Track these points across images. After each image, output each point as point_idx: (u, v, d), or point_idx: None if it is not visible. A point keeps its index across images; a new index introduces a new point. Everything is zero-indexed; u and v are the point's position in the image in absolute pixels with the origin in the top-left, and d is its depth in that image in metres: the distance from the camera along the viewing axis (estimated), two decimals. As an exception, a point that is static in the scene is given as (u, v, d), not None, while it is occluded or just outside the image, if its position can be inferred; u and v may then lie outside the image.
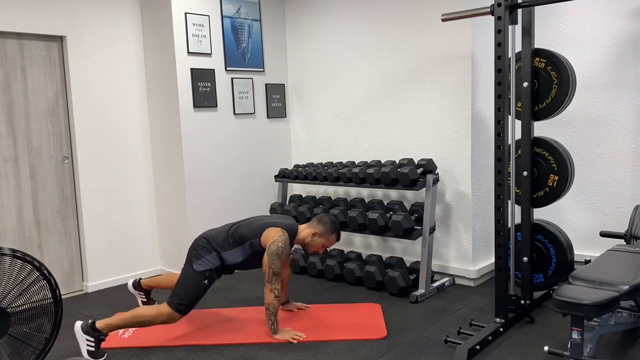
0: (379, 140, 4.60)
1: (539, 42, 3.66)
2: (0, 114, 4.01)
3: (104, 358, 3.10)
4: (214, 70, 4.60)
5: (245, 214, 4.68)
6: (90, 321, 3.10)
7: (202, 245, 3.34)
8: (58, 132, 4.30)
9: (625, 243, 3.30)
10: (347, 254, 4.53)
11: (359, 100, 4.70)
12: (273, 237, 3.24)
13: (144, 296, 3.75)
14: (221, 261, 3.33)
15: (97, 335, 3.08)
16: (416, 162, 4.07)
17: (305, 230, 3.47)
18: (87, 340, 3.06)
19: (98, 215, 4.45)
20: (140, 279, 3.79)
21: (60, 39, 4.27)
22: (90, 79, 4.37)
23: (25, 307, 2.64)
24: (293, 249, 3.72)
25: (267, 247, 3.23)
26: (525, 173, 3.50)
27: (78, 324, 3.10)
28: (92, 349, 3.07)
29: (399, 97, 4.41)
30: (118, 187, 4.56)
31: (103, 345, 3.18)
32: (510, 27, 3.22)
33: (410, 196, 4.41)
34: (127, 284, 3.84)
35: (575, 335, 2.49)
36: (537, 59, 3.43)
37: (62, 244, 4.35)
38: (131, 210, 4.66)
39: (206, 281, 3.28)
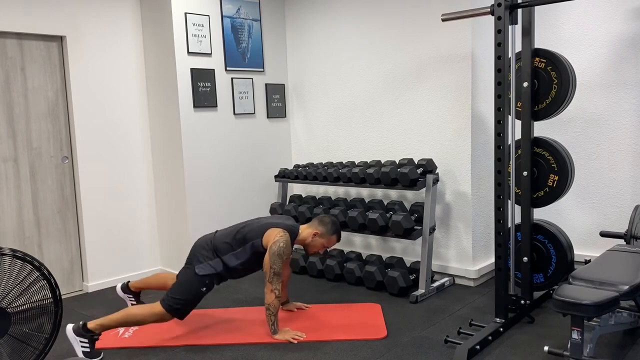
0: (379, 140, 4.60)
1: (539, 42, 3.66)
2: (0, 114, 4.01)
3: (100, 357, 3.10)
4: (214, 70, 4.60)
5: (245, 213, 4.68)
6: (81, 323, 3.09)
7: (205, 250, 3.34)
8: (58, 132, 4.30)
9: (625, 243, 3.30)
10: (347, 254, 4.53)
11: (359, 100, 4.70)
12: (275, 238, 3.24)
13: (133, 299, 3.71)
14: (224, 266, 3.32)
15: (89, 335, 3.08)
16: (416, 162, 4.07)
17: (306, 231, 3.48)
18: (80, 341, 3.07)
19: (98, 215, 4.45)
20: (129, 281, 3.76)
21: (60, 39, 4.27)
22: (90, 79, 4.37)
23: (25, 307, 2.64)
24: (293, 248, 3.73)
25: (268, 248, 3.23)
26: (525, 173, 3.50)
27: (69, 327, 3.09)
28: (87, 349, 3.07)
29: (399, 97, 4.41)
30: (118, 187, 4.56)
31: (104, 345, 3.20)
32: (510, 27, 3.22)
33: (410, 196, 4.41)
34: (116, 287, 3.80)
35: (575, 335, 2.49)
36: (537, 59, 3.43)
37: (62, 244, 4.35)
38: (131, 210, 4.66)
39: (204, 289, 3.29)
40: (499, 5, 3.15)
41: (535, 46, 3.45)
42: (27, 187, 4.16)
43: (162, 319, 3.22)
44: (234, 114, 4.80)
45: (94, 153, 4.42)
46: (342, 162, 4.64)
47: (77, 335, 3.06)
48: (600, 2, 4.08)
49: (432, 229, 3.98)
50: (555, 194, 3.48)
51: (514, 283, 3.47)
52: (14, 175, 4.09)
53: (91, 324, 3.10)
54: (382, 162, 4.39)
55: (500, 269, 3.28)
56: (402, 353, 3.03)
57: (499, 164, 3.22)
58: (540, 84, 3.43)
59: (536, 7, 3.47)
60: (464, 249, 4.15)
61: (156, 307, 3.20)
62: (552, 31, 4.30)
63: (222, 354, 3.11)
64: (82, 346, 3.07)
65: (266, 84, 5.05)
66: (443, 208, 4.23)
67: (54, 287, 2.72)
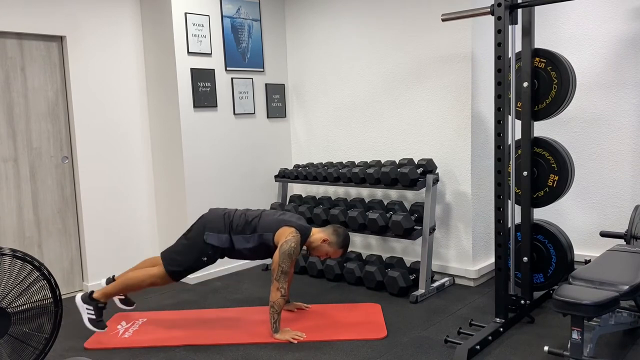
0: (379, 140, 4.60)
1: (539, 42, 3.66)
2: (0, 114, 4.01)
3: (104, 330, 3.30)
4: (214, 70, 4.60)
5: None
6: (88, 292, 3.34)
7: (220, 221, 3.40)
8: (58, 132, 4.30)
9: (625, 243, 3.30)
10: (347, 254, 4.53)
11: (359, 100, 4.70)
12: (286, 237, 3.26)
13: (122, 295, 3.62)
14: (230, 244, 3.37)
15: (95, 303, 3.30)
16: (416, 162, 4.07)
17: (317, 234, 3.49)
18: (87, 309, 3.29)
19: (98, 215, 4.45)
20: (114, 276, 3.66)
21: (60, 39, 4.27)
22: (90, 79, 4.37)
23: (25, 307, 2.63)
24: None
25: (279, 246, 3.25)
26: (525, 173, 3.50)
27: (78, 296, 3.33)
28: (93, 316, 3.29)
29: (399, 97, 4.41)
30: (118, 187, 4.56)
31: (104, 345, 3.21)
32: (510, 27, 3.22)
33: (410, 196, 4.41)
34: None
35: (575, 335, 2.49)
36: (537, 59, 3.43)
37: (62, 244, 4.35)
38: (131, 210, 4.66)
39: (205, 258, 3.39)
40: (499, 5, 3.15)
41: (535, 46, 3.45)
42: (27, 187, 4.16)
43: (158, 281, 3.35)
44: (234, 114, 4.80)
45: (94, 153, 4.42)
46: (342, 162, 4.64)
47: (84, 303, 3.29)
48: (600, 2, 4.08)
49: (432, 229, 3.98)
50: (555, 194, 3.48)
51: (514, 283, 3.47)
52: (14, 175, 4.09)
53: (96, 293, 3.33)
54: (382, 162, 4.39)
55: (500, 269, 3.28)
56: (402, 353, 3.03)
57: (499, 164, 3.22)
58: (540, 84, 3.43)
59: (536, 7, 3.47)
60: (464, 249, 4.15)
61: (154, 269, 3.35)
62: (552, 31, 4.30)
63: (222, 354, 3.12)
64: (88, 313, 3.29)
65: (266, 84, 5.05)
66: (443, 208, 4.23)
67: (54, 287, 2.72)
